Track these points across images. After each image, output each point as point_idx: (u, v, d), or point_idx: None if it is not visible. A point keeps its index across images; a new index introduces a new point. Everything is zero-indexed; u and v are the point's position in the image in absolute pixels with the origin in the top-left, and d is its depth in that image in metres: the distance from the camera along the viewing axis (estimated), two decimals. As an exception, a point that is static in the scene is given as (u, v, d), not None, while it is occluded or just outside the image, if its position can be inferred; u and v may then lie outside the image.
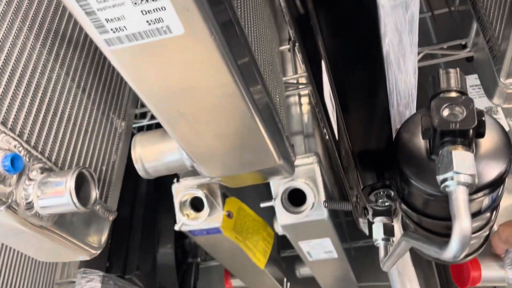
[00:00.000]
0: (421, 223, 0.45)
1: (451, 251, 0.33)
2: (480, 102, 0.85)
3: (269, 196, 0.93)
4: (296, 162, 0.92)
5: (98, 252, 0.68)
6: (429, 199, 0.40)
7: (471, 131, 0.35)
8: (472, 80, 0.87)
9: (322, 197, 0.91)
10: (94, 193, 0.58)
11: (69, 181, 0.54)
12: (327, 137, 0.78)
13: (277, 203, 0.91)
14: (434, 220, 0.43)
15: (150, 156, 0.59)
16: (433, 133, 0.36)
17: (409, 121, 0.43)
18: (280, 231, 0.96)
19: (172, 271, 1.07)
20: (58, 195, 0.55)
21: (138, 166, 0.60)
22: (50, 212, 0.56)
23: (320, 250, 1.04)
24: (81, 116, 0.68)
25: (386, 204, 0.48)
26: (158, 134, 0.60)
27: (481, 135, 0.36)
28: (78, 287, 0.90)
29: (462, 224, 0.32)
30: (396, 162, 0.41)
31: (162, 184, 1.14)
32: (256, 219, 1.04)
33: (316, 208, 0.90)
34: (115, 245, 0.96)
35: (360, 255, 1.41)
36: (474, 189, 0.35)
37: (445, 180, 0.34)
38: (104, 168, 0.72)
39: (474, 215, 0.41)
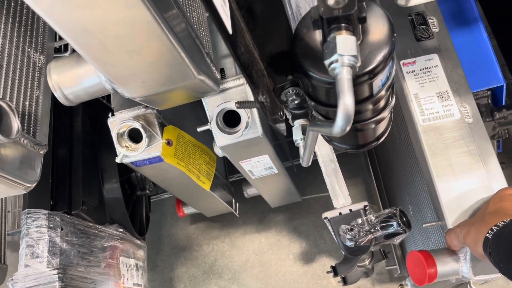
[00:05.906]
0: (328, 114, 0.49)
1: (337, 126, 0.37)
2: (431, 86, 0.84)
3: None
4: (228, 85, 0.94)
5: (33, 185, 0.68)
6: (328, 88, 0.44)
7: (353, 16, 0.38)
8: (422, 62, 0.85)
9: (256, 116, 0.94)
10: (16, 124, 0.58)
11: (-15, 113, 0.54)
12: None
13: (213, 126, 0.93)
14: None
15: (68, 82, 0.58)
16: (322, 22, 0.39)
17: (306, 16, 0.45)
18: (220, 153, 0.99)
19: (120, 204, 1.10)
20: (-24, 128, 0.54)
21: (57, 94, 0.60)
22: (-28, 146, 0.56)
23: (260, 167, 1.09)
24: (-9, 50, 0.65)
25: (296, 102, 0.51)
26: (73, 59, 0.59)
27: (363, 19, 0.39)
28: (24, 227, 0.90)
29: (345, 101, 0.36)
30: (295, 56, 0.44)
31: (100, 123, 1.13)
32: (197, 144, 1.06)
33: (250, 127, 0.93)
34: (57, 183, 0.97)
35: (303, 171, 1.50)
36: (357, 69, 0.38)
37: (331, 63, 0.37)
38: (27, 103, 0.70)
39: (369, 97, 0.45)
